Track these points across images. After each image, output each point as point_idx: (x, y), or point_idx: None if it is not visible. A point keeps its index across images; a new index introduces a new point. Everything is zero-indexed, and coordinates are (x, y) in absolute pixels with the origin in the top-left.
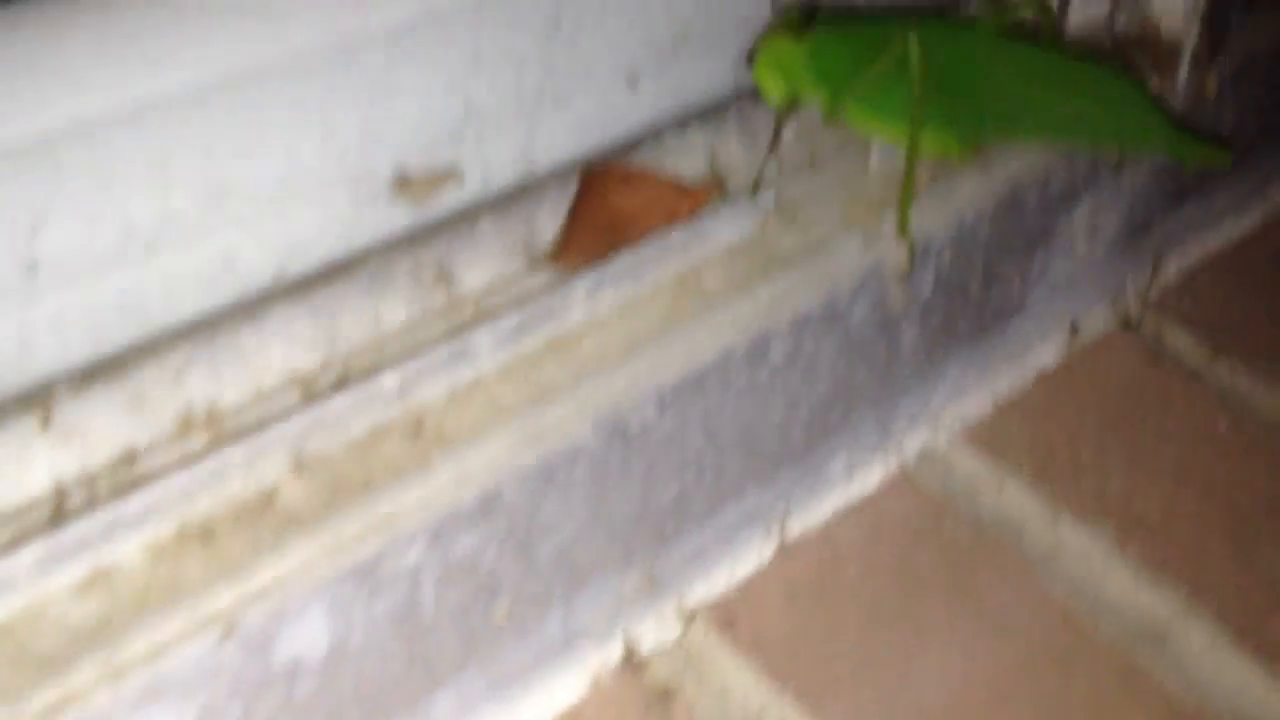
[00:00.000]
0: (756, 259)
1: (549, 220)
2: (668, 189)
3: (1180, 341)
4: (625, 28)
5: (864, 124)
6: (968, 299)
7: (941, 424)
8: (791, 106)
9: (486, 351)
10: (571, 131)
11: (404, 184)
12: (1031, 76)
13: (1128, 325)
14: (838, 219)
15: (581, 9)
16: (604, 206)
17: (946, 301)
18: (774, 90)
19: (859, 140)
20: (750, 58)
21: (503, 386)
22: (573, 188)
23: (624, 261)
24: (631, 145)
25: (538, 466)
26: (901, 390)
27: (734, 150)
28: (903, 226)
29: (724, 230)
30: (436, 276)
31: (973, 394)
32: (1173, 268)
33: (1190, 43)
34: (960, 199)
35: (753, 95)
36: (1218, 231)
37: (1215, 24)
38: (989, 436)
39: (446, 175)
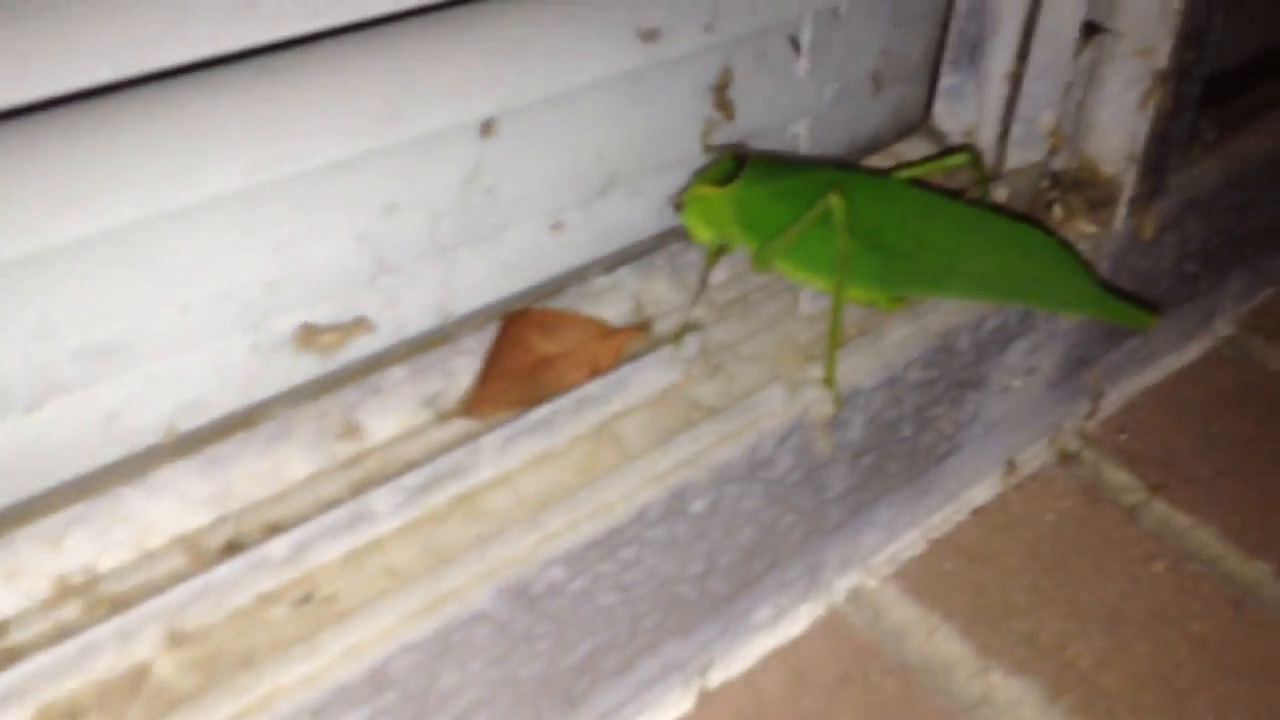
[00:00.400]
0: (678, 410)
1: (466, 367)
2: (591, 332)
3: (1118, 478)
4: (549, 175)
5: (792, 273)
6: (899, 442)
7: (873, 566)
8: (720, 251)
9: (387, 512)
10: (491, 277)
11: (310, 335)
12: (957, 234)
13: (1065, 460)
14: (765, 366)
15: (503, 158)
16: (524, 352)
17: (877, 446)
18: (702, 237)
19: (790, 282)
20: (678, 205)
21: (402, 549)
22: (492, 333)
23: (540, 414)
24: (555, 288)
25: (435, 634)
26: (831, 534)
27: (663, 291)
28: (829, 376)
29: (646, 380)
30: (343, 429)
31: (906, 535)
32: (1113, 403)
33: (1128, 185)
34: (889, 346)
35: (683, 235)
36: (1159, 366)
37: (1153, 165)
38: (921, 578)
39: (356, 325)
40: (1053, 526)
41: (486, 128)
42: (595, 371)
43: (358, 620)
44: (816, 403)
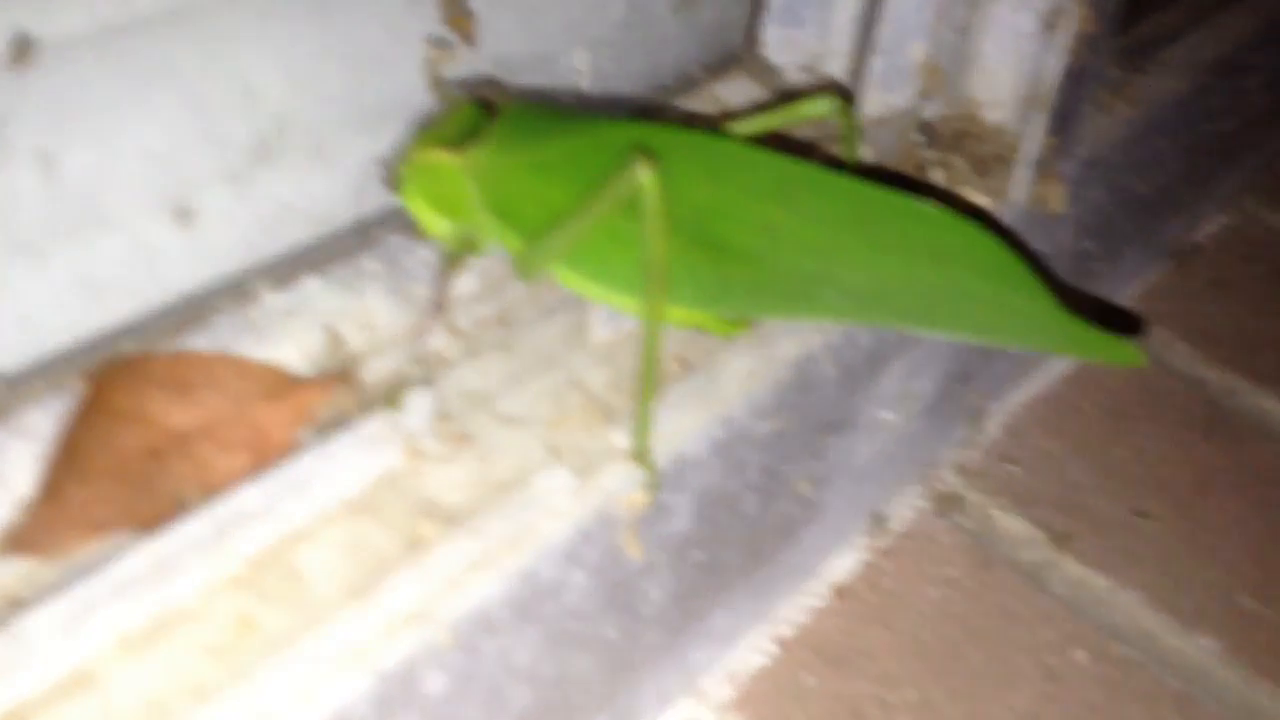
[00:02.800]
0: (399, 518)
1: (27, 463)
2: (255, 387)
3: (1013, 528)
4: (161, 132)
5: (578, 286)
6: (742, 521)
7: (705, 691)
8: (464, 248)
9: None
10: (74, 303)
11: None
12: (833, 224)
13: (946, 507)
14: (537, 433)
15: (63, 107)
16: (136, 429)
17: (712, 532)
18: (435, 228)
19: (574, 297)
20: (394, 178)
21: None
22: (76, 401)
23: (150, 549)
24: (193, 315)
25: None
26: (649, 665)
27: (376, 313)
28: (641, 449)
29: (345, 469)
30: None
31: (749, 637)
32: (997, 423)
33: (1031, 140)
34: (726, 389)
35: (409, 224)
36: (1045, 371)
37: (1064, 113)
38: (772, 700)
39: None
40: (938, 605)
41: (20, 53)
42: (261, 457)
43: None
44: (623, 488)
